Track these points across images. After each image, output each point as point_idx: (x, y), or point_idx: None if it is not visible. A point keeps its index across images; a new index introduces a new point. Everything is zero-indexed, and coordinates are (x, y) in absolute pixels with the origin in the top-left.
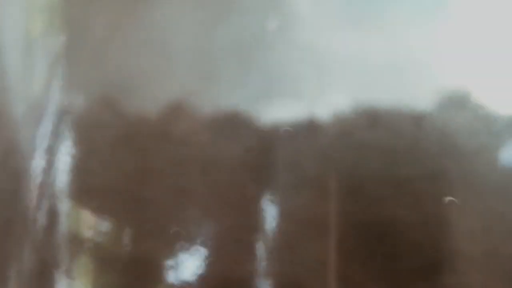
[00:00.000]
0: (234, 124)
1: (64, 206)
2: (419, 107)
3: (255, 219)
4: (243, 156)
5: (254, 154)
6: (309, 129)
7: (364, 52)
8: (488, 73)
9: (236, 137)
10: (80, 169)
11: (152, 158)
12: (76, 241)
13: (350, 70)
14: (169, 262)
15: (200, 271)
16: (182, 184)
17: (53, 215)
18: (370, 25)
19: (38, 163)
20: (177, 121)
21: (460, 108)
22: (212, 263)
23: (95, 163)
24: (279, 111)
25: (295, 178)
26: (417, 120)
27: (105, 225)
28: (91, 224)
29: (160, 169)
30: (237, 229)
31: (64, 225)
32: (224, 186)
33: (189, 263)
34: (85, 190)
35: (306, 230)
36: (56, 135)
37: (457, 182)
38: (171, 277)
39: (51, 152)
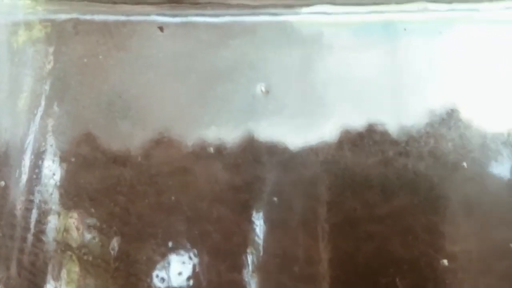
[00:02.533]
0: (219, 159)
1: (52, 213)
2: (407, 131)
3: (241, 260)
4: (228, 190)
5: (240, 189)
6: (296, 160)
7: (353, 79)
8: (475, 94)
9: (220, 173)
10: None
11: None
12: (63, 247)
13: (339, 96)
14: (157, 270)
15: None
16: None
17: (41, 221)
18: (361, 51)
19: (26, 173)
20: (159, 158)
21: (449, 128)
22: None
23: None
24: (265, 145)
25: (282, 213)
26: (405, 145)
27: (92, 231)
28: (79, 231)
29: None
30: (224, 268)
31: (52, 231)
32: (209, 223)
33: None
34: (72, 197)
35: (295, 270)
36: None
37: (453, 212)
38: (158, 284)
39: (37, 163)
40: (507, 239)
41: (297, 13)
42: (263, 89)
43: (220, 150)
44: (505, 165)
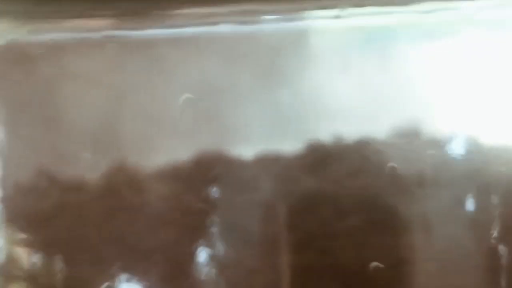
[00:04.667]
0: (174, 183)
1: None
2: (372, 147)
3: (196, 284)
4: (183, 217)
5: (194, 211)
6: (253, 179)
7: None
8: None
9: (176, 195)
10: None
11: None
12: (10, 271)
13: (306, 112)
14: None
15: None
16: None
17: None
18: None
19: None
20: (116, 186)
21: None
22: None
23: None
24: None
25: (241, 233)
26: (359, 164)
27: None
28: (27, 259)
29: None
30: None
31: None
32: (162, 247)
33: None
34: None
35: (254, 282)
36: None
37: (410, 228)
38: None
39: None
40: (464, 255)
41: (245, 23)
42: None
43: (172, 172)
44: (461, 182)
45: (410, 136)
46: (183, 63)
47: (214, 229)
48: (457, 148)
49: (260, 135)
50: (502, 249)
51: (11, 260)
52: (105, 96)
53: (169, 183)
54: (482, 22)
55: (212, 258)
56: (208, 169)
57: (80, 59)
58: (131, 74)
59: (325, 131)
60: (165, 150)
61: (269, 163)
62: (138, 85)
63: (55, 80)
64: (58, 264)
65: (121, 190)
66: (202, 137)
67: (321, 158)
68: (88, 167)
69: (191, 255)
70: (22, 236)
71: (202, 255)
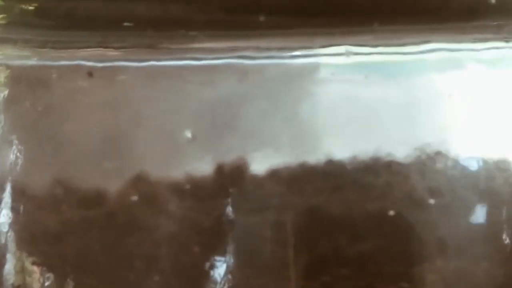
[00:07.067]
0: (188, 201)
1: (9, 256)
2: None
3: None
4: (195, 237)
5: (205, 231)
6: (267, 199)
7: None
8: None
9: (190, 214)
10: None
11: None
12: None
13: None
14: None
15: None
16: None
17: None
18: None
19: None
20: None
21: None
22: None
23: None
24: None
25: (252, 261)
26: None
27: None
28: (36, 275)
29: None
30: None
31: (8, 275)
32: (173, 266)
33: None
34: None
35: None
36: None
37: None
38: None
39: None
40: (484, 283)
41: (197, 59)
42: (189, 134)
43: (186, 190)
44: (476, 205)
45: (429, 159)
46: (199, 84)
47: (227, 251)
48: (475, 170)
49: (277, 154)
50: None
51: (21, 285)
52: (117, 117)
53: (183, 202)
54: (483, 60)
55: (225, 280)
56: (223, 188)
57: (91, 85)
58: (145, 97)
59: (342, 154)
60: (180, 168)
61: (284, 183)
62: (152, 108)
63: (66, 104)
64: (69, 284)
65: (133, 208)
66: (218, 155)
67: (336, 180)
68: (100, 185)
69: (205, 277)
70: (33, 259)
71: (215, 276)
